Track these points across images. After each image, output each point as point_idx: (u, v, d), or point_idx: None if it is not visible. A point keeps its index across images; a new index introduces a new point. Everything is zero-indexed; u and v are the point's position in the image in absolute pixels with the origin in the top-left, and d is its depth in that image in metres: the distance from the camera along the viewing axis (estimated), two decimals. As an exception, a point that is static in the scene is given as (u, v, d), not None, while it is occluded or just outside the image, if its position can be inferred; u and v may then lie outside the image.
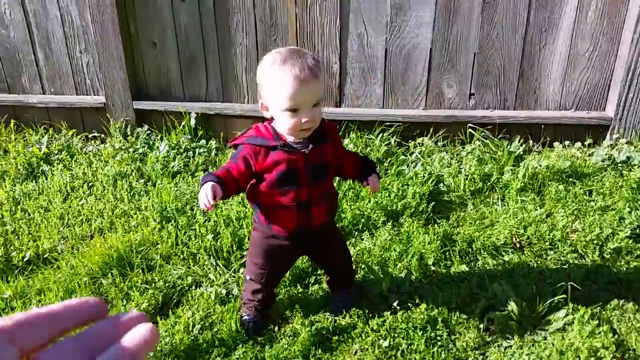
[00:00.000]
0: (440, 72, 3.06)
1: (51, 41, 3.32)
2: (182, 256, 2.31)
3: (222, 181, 1.54)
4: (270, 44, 3.10)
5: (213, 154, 3.23)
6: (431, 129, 3.15)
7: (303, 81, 1.46)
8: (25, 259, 2.31)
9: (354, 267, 2.09)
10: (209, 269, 2.25)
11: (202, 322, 1.93)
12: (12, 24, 3.29)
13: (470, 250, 2.29)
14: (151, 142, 3.32)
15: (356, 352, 1.81)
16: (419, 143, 3.13)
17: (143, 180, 2.89)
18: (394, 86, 3.14)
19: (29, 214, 2.64)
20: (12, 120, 3.52)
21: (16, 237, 2.47)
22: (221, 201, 1.92)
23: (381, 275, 2.12)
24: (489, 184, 2.72)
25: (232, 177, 1.60)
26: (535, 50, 2.94)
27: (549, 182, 2.69)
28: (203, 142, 3.31)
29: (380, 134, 3.14)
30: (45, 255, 2.34)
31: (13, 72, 3.45)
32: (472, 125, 3.11)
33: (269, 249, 1.79)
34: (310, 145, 1.60)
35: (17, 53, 3.38)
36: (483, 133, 3.09)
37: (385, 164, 2.96)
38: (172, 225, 2.47)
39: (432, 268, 2.20)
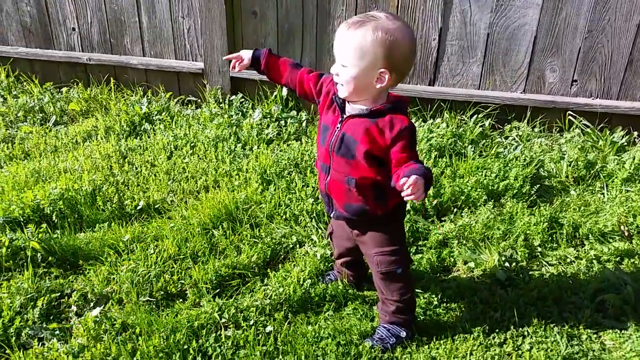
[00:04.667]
0: (544, 56, 2.99)
1: (156, 4, 3.43)
2: (284, 216, 2.38)
3: (270, 58, 1.71)
4: (370, 18, 3.11)
5: (304, 124, 3.28)
6: (528, 114, 3.09)
7: (340, 30, 1.46)
8: (139, 207, 2.43)
9: (406, 297, 1.72)
10: (311, 230, 2.31)
11: (311, 279, 1.99)
12: (122, -13, 3.44)
13: (576, 235, 2.25)
14: (244, 110, 3.40)
15: (465, 321, 1.82)
16: (514, 127, 3.08)
17: (240, 145, 2.97)
18: (493, 67, 3.09)
19: (136, 168, 2.77)
20: (112, 80, 3.68)
21: (126, 187, 2.61)
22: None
23: (487, 251, 2.12)
24: (592, 172, 2.65)
25: (292, 71, 1.70)
26: (649, 38, 2.83)
27: (657, 175, 2.60)
28: (293, 112, 3.36)
29: (474, 116, 3.11)
30: (157, 206, 2.46)
31: (117, 33, 3.60)
32: (572, 112, 3.03)
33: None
34: (350, 114, 1.55)
35: (123, 14, 3.52)
36: (583, 122, 3.01)
37: (480, 145, 2.93)
38: (273, 187, 2.55)
39: (539, 249, 2.17)
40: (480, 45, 3.05)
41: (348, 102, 1.58)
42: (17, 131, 3.26)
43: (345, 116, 1.56)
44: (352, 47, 1.44)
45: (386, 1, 3.07)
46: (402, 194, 1.36)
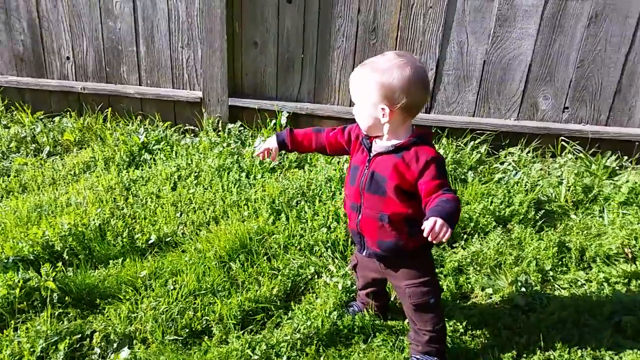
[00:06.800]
0: (538, 84, 3.12)
1: (155, 34, 3.43)
2: (299, 247, 2.39)
3: (293, 136, 1.83)
4: (369, 48, 3.19)
5: (304, 152, 3.31)
6: (522, 140, 3.20)
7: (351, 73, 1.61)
8: (150, 241, 2.40)
9: (439, 327, 1.75)
10: (327, 260, 2.32)
11: (337, 311, 1.99)
12: (121, 17, 3.41)
13: (583, 258, 2.33)
14: (243, 138, 3.41)
15: (493, 347, 1.86)
16: (509, 153, 3.19)
17: (244, 174, 2.97)
18: (488, 95, 3.20)
19: (142, 200, 2.74)
20: (107, 110, 3.64)
21: (134, 220, 2.57)
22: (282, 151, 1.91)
23: (502, 277, 2.17)
24: (589, 195, 2.76)
25: (317, 136, 1.81)
26: (637, 67, 2.99)
27: (651, 198, 2.73)
28: (293, 140, 3.38)
29: (470, 142, 3.20)
30: (168, 239, 2.43)
31: (113, 61, 3.57)
32: (564, 138, 3.16)
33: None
34: (377, 152, 1.63)
35: (121, 43, 3.50)
36: (574, 147, 3.14)
37: (479, 171, 3.01)
38: (284, 217, 2.55)
39: (550, 274, 2.24)
40: (476, 75, 3.16)
41: (375, 141, 1.66)
42: (10, 163, 3.18)
43: (372, 155, 1.64)
44: (357, 87, 1.59)
45: (385, 34, 3.15)
46: (428, 239, 1.41)
